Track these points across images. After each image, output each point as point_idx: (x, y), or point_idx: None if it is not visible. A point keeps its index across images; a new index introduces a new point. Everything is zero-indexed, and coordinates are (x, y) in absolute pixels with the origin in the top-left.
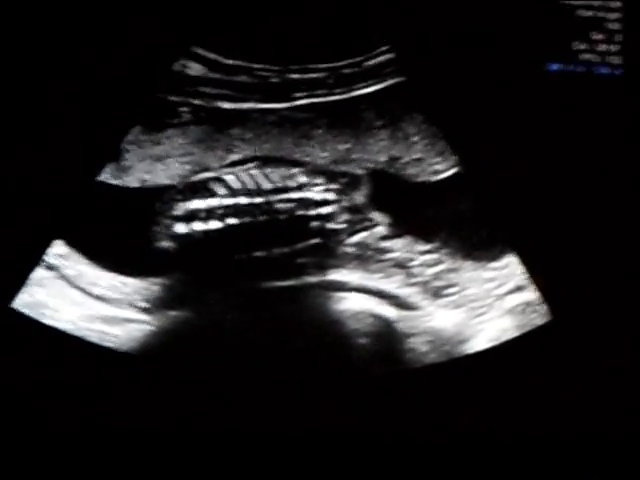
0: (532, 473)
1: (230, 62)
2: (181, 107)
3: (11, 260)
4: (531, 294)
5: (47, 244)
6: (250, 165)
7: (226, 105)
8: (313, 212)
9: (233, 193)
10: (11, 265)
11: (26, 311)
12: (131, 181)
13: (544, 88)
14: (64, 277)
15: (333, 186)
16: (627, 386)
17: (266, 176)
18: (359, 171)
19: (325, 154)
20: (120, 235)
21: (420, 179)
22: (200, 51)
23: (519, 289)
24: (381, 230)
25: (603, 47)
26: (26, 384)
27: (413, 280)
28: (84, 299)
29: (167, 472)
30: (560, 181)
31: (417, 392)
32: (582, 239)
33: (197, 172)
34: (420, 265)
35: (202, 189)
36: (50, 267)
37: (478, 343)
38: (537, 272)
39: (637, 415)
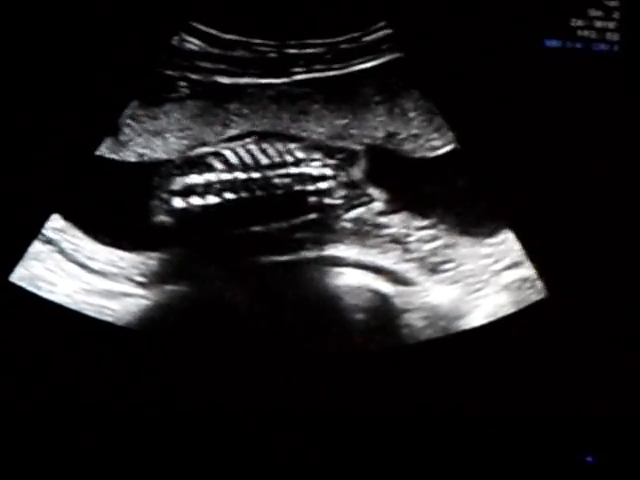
0: (526, 450)
1: (228, 37)
2: (179, 81)
3: (9, 234)
4: (527, 270)
5: (45, 218)
6: (248, 140)
7: (224, 80)
8: (311, 187)
9: (231, 168)
10: (9, 239)
11: (23, 284)
12: (129, 155)
13: (542, 64)
14: (62, 251)
15: (330, 162)
16: (623, 363)
17: (263, 151)
18: (356, 146)
19: (322, 129)
20: (117, 209)
21: (417, 155)
22: (198, 26)
23: (515, 265)
24: (378, 206)
25: (601, 24)
26: (23, 358)
27: (410, 256)
28: (81, 273)
29: (161, 446)
30: (557, 158)
31: (413, 368)
32: (578, 215)
33: (195, 147)
34: (417, 241)
35: (200, 164)
36: (48, 241)
37: (474, 319)
38: (533, 248)
39: (633, 393)
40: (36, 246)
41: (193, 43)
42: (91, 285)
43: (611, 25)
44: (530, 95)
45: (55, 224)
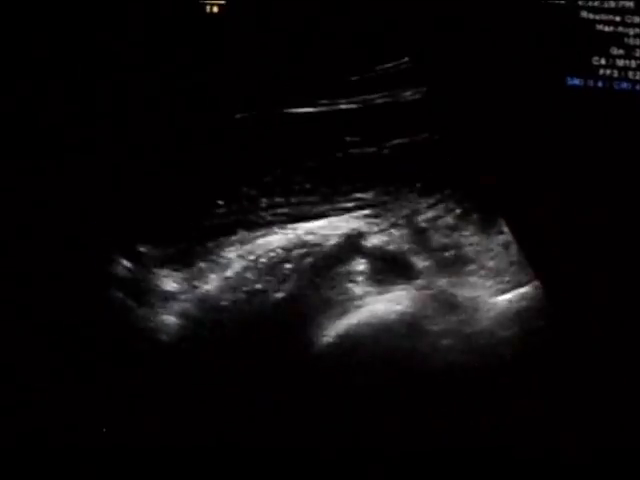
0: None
1: None
2: None
3: None
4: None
5: None
6: None
7: None
8: None
9: None
10: None
11: None
12: None
13: (564, 103)
14: None
15: None
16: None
17: None
18: None
19: None
20: None
21: None
22: None
23: None
24: None
25: (623, 62)
26: None
27: None
28: None
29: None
30: (580, 197)
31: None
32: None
33: None
34: None
35: None
36: None
37: None
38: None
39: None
40: None
41: None
42: None
43: (633, 64)
44: (552, 134)
45: None
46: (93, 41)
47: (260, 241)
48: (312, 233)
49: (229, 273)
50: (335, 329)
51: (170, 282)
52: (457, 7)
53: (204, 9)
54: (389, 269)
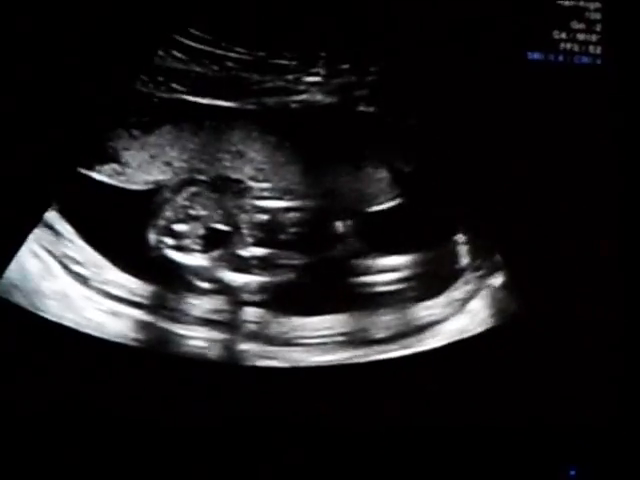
0: (509, 461)
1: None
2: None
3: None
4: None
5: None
6: None
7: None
8: None
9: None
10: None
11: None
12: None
13: (525, 77)
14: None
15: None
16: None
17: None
18: None
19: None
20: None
21: None
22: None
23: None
24: None
25: (583, 37)
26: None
27: None
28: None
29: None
30: (539, 170)
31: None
32: (555, 231)
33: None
34: None
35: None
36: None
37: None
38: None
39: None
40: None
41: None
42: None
43: (593, 38)
44: (514, 108)
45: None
46: None
47: None
48: None
49: None
50: None
51: None
52: None
53: None
54: None
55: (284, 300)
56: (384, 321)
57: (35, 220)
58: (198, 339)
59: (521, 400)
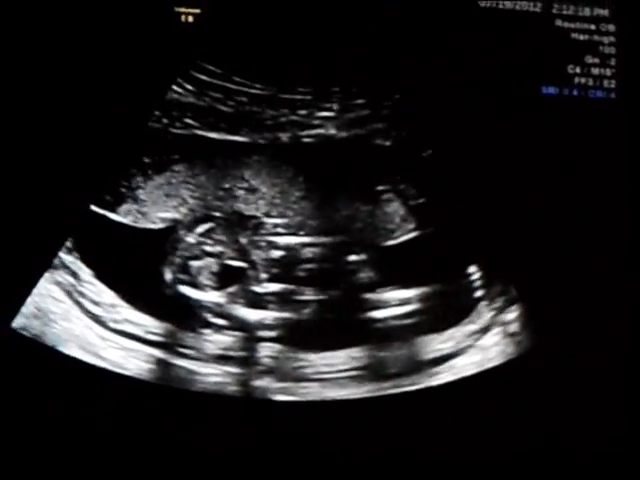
0: None
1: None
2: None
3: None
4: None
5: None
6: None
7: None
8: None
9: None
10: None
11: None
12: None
13: (539, 111)
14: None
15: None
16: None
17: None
18: None
19: None
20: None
21: None
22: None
23: None
24: None
25: (598, 71)
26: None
27: None
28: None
29: None
30: (555, 205)
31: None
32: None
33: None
34: None
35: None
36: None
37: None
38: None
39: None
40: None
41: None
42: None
43: (608, 72)
44: (527, 142)
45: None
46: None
47: None
48: None
49: None
50: None
51: None
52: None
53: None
54: None
55: (299, 335)
56: (398, 355)
57: (50, 258)
58: (214, 375)
59: (535, 434)
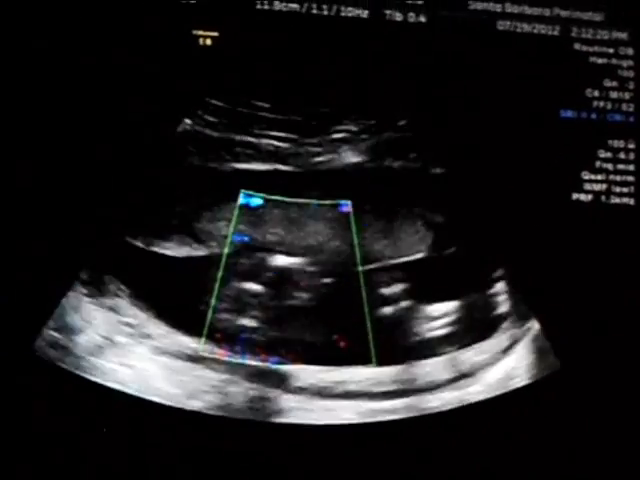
0: None
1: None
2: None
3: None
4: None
5: None
6: None
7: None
8: None
9: None
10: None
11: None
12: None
13: (557, 135)
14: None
15: None
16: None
17: None
18: None
19: None
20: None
21: None
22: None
23: None
24: None
25: (616, 94)
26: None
27: None
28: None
29: None
30: (577, 223)
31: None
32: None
33: None
34: None
35: None
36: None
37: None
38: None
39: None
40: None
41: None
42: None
43: (626, 96)
44: (545, 165)
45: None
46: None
47: None
48: None
49: None
50: None
51: None
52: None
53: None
54: None
55: (331, 354)
56: (427, 372)
57: (74, 278)
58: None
59: (562, 456)
